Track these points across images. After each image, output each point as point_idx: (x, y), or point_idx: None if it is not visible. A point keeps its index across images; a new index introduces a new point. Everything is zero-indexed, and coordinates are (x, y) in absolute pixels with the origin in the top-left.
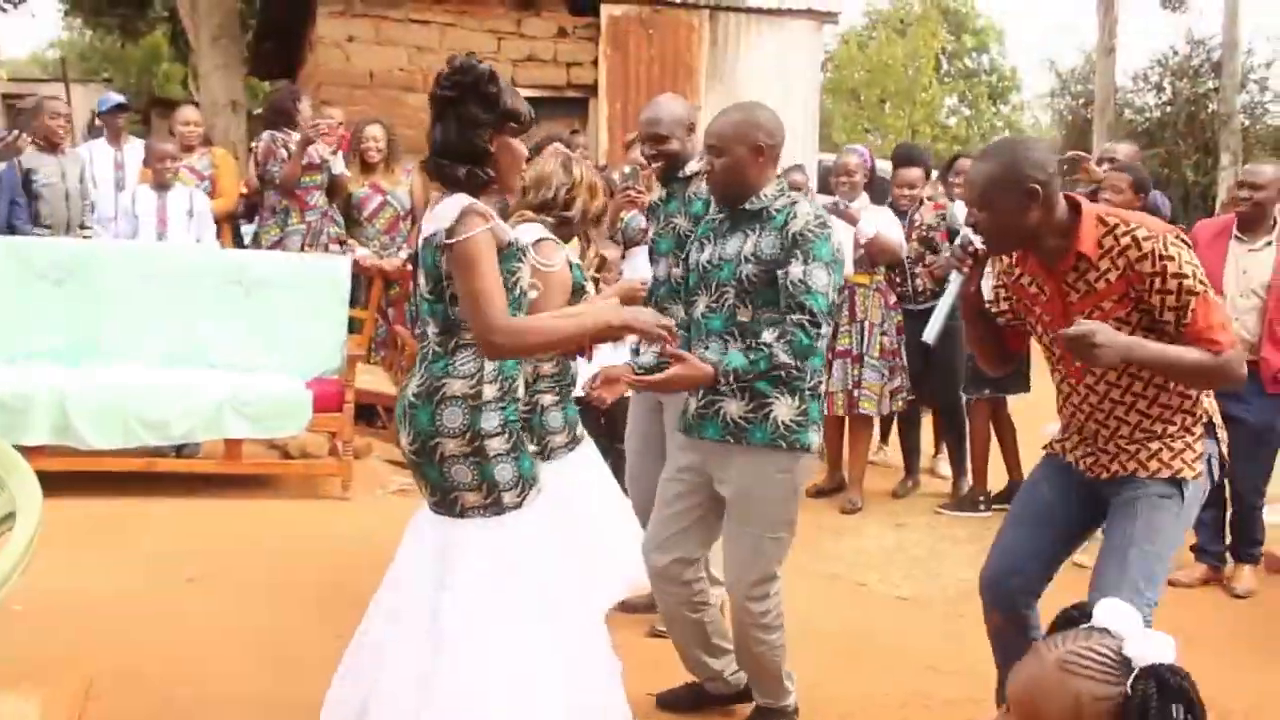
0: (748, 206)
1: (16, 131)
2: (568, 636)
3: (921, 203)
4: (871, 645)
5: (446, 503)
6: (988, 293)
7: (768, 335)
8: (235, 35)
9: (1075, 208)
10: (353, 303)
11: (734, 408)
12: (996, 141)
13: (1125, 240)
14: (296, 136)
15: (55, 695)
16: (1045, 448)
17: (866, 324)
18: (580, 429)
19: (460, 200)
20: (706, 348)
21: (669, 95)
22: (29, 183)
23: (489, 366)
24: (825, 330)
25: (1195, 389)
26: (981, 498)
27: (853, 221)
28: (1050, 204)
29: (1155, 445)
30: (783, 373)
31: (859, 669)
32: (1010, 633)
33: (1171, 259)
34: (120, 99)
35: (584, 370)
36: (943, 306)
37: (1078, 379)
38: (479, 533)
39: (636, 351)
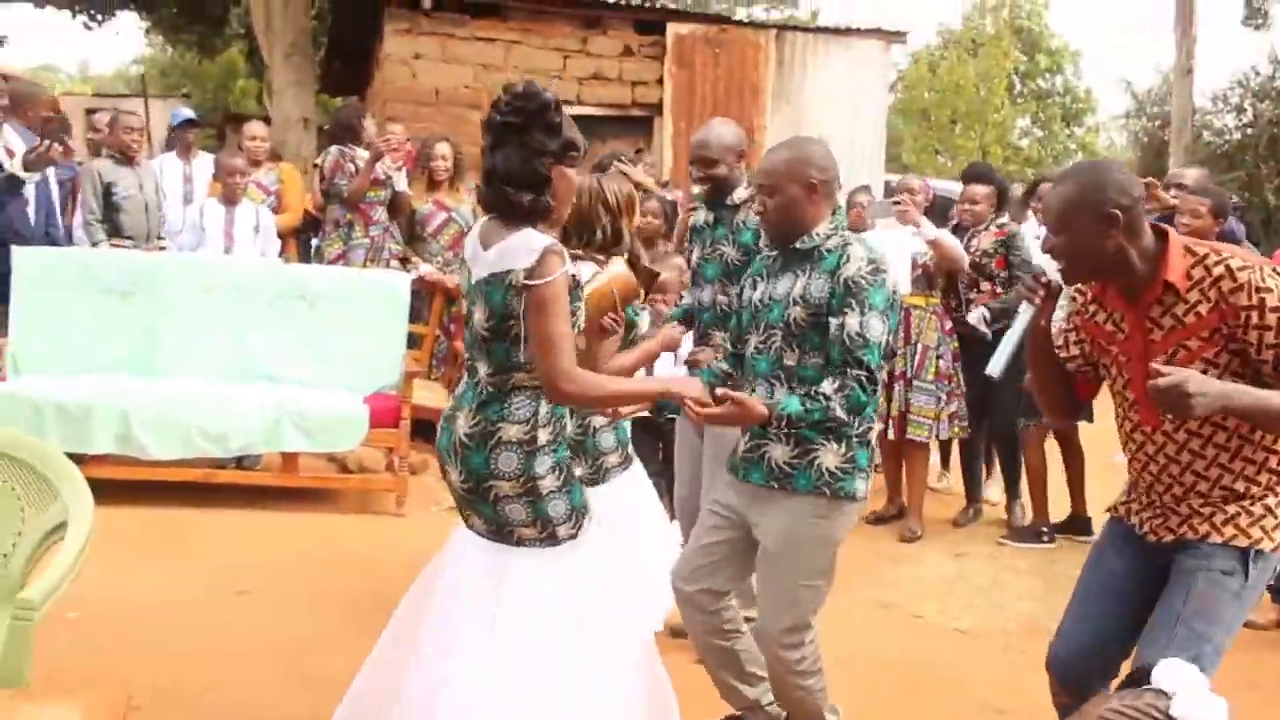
0: (799, 246)
1: (48, 142)
2: (621, 665)
3: (985, 224)
4: (928, 679)
5: (502, 534)
6: (1056, 335)
7: (827, 386)
8: (307, 53)
9: (1162, 236)
10: (414, 318)
11: (779, 452)
12: (1077, 164)
13: (1218, 270)
14: (362, 152)
15: (96, 705)
16: (1109, 510)
17: (920, 346)
18: (630, 448)
19: (537, 238)
20: (753, 390)
21: (721, 120)
22: (109, 195)
23: (543, 410)
24: (879, 382)
25: None
26: (1045, 529)
27: (915, 224)
28: (1133, 230)
29: (1233, 509)
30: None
31: (915, 703)
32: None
33: (1270, 291)
34: (190, 114)
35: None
36: (1010, 338)
37: (1154, 427)
38: (536, 560)
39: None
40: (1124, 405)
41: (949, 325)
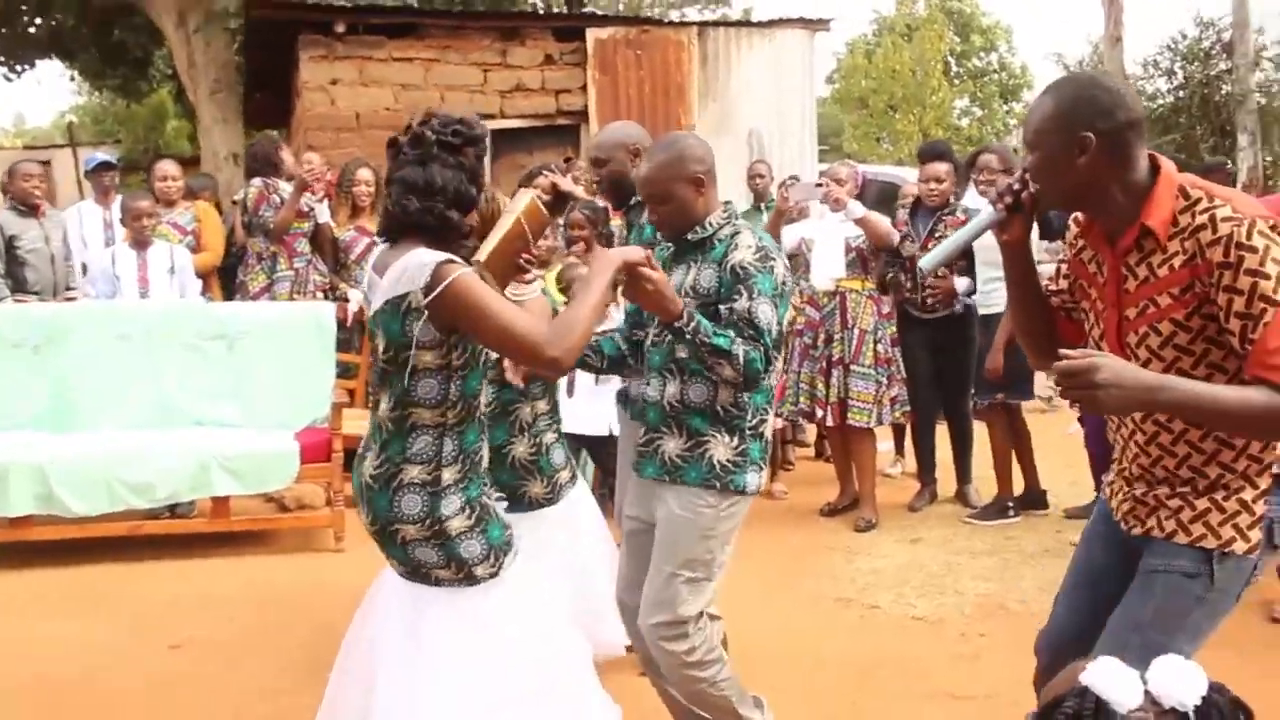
0: (690, 237)
1: None
2: (556, 699)
3: (949, 205)
4: (886, 670)
5: (418, 575)
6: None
7: (738, 337)
8: (232, 88)
9: (1157, 171)
10: (345, 348)
11: (672, 445)
12: (1068, 75)
13: (1201, 218)
14: (285, 184)
15: None
16: (1101, 489)
17: (857, 331)
18: (575, 469)
19: (428, 254)
20: (648, 383)
21: (619, 122)
22: (12, 249)
23: (447, 448)
24: (774, 367)
25: (1255, 439)
26: (1010, 503)
27: (840, 205)
28: (1116, 159)
29: (1203, 504)
30: (720, 407)
31: (873, 696)
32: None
33: (1252, 250)
34: (104, 157)
35: (566, 405)
36: (957, 237)
37: None
38: (454, 600)
39: (624, 395)
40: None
41: (886, 309)
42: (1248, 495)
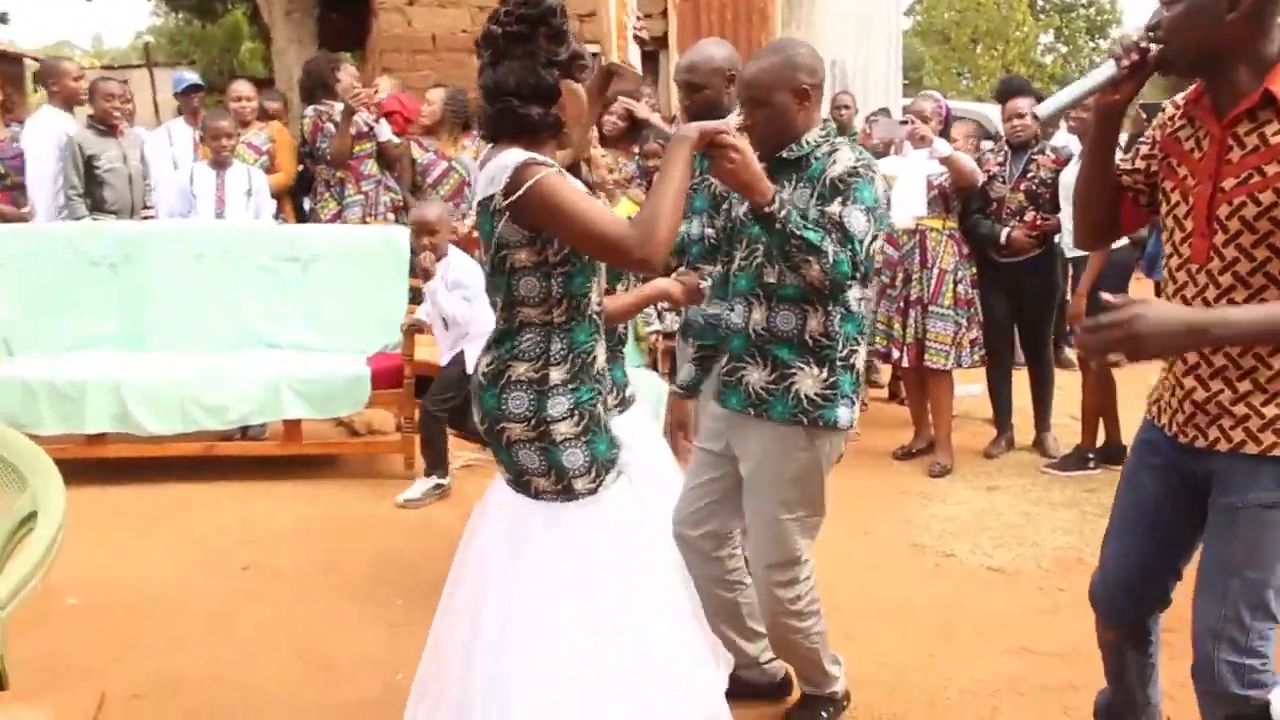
0: (786, 155)
1: None
2: (652, 631)
3: (1038, 143)
4: (961, 620)
5: (520, 483)
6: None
7: (827, 242)
8: (308, 9)
9: None
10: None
11: (756, 377)
12: None
13: None
14: (338, 107)
15: (67, 708)
16: (1146, 405)
17: (937, 270)
18: (631, 390)
19: (514, 154)
20: (732, 309)
21: (713, 40)
22: (91, 168)
23: (556, 346)
24: (863, 276)
25: None
26: (1090, 454)
27: (925, 142)
28: (1257, 23)
29: (1271, 410)
30: (810, 337)
31: (947, 650)
32: (1126, 649)
33: None
34: (194, 79)
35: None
36: (1073, 90)
37: (1201, 263)
38: (550, 515)
39: (685, 328)
40: (1177, 238)
41: (966, 249)
42: None
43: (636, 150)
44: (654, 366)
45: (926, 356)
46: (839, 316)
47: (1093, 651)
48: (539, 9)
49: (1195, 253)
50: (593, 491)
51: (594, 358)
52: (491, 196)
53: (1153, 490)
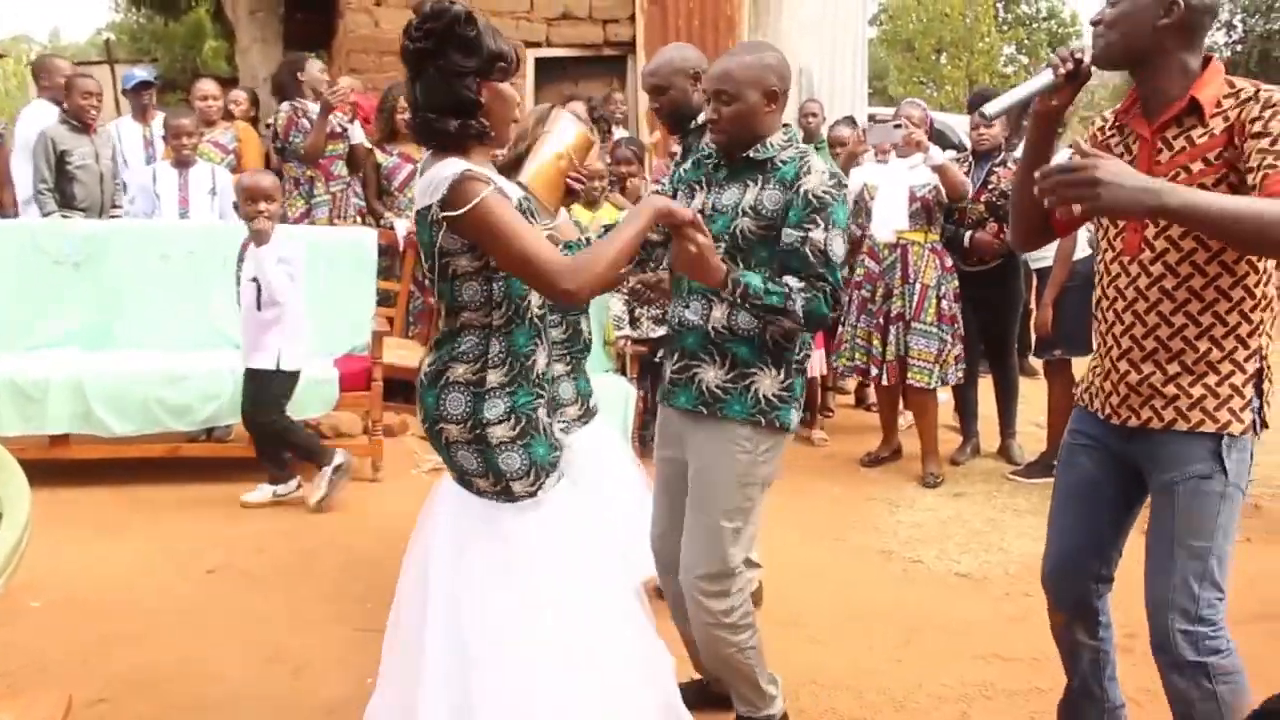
0: (751, 155)
1: None
2: (593, 629)
3: (1000, 154)
4: (928, 627)
5: (464, 482)
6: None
7: (793, 281)
8: (272, 7)
9: (1207, 63)
10: (386, 275)
11: (712, 375)
12: None
13: (1245, 95)
14: (314, 105)
15: (33, 712)
16: (1076, 396)
17: (919, 286)
18: (594, 401)
19: (451, 165)
20: (687, 306)
21: (675, 44)
22: (63, 165)
23: (495, 349)
24: (841, 306)
25: (1259, 253)
26: (1055, 461)
27: (922, 148)
28: (1186, 35)
29: (1197, 390)
30: (770, 337)
31: (915, 656)
32: (1076, 632)
33: None
34: (144, 75)
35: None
36: (1016, 92)
37: (1133, 254)
38: (489, 513)
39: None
40: (1111, 234)
41: (949, 262)
42: (1237, 380)
43: (609, 156)
44: (623, 372)
45: (909, 375)
46: None
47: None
48: (444, 20)
49: (1128, 245)
50: (531, 494)
51: (534, 362)
52: (429, 207)
53: (1089, 470)
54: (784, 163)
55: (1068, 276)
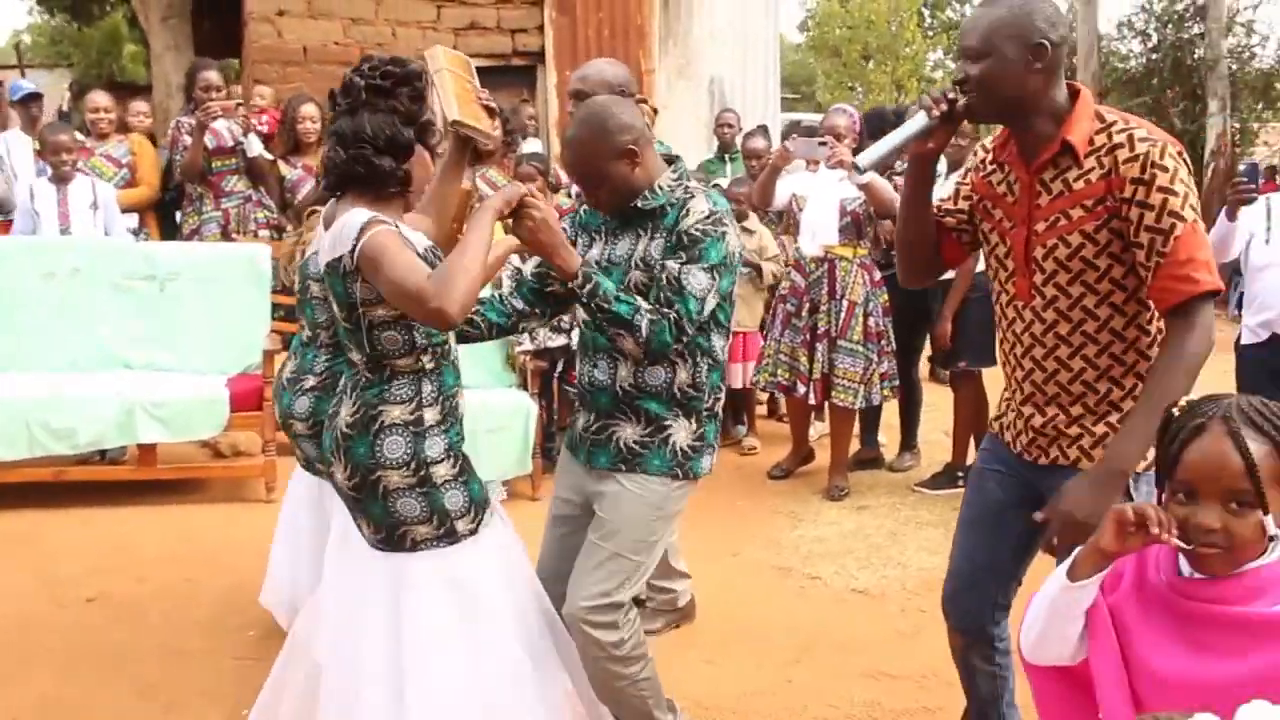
0: (641, 204)
1: None
2: (542, 660)
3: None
4: (821, 644)
5: (394, 539)
6: (946, 193)
7: (643, 303)
8: (185, 14)
9: (1075, 95)
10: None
11: (629, 432)
12: None
13: (1119, 138)
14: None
15: None
16: (991, 418)
17: (846, 302)
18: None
19: (354, 217)
20: (595, 365)
21: (603, 60)
22: None
23: (428, 389)
24: (687, 339)
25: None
26: (961, 472)
27: (846, 168)
28: (1052, 74)
29: (1100, 429)
30: (678, 389)
31: (805, 674)
32: (973, 656)
33: (1164, 170)
34: (30, 87)
35: None
36: (891, 139)
37: (1026, 300)
38: (436, 563)
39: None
40: (1002, 276)
41: (878, 277)
42: None
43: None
44: (524, 387)
45: (834, 394)
46: (706, 367)
47: (951, 675)
48: (405, 70)
49: (1019, 291)
50: (473, 532)
51: (458, 401)
52: (340, 258)
53: (998, 496)
54: (670, 207)
55: (969, 288)
